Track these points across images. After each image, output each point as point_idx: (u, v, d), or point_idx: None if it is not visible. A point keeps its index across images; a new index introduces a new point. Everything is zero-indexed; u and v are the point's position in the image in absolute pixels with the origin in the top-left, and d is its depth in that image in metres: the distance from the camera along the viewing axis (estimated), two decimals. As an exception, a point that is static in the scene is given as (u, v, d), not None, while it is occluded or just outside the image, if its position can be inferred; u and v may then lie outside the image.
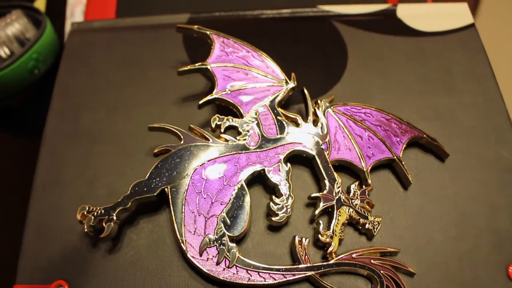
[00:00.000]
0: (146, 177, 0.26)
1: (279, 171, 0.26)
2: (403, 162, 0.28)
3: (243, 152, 0.27)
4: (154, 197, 0.26)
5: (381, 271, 0.25)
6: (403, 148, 0.28)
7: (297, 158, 0.28)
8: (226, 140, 0.27)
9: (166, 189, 0.26)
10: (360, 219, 0.26)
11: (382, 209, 0.27)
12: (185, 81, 0.32)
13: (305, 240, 0.25)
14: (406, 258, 0.26)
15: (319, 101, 0.29)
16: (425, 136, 0.28)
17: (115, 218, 0.25)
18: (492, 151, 0.29)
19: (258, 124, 0.28)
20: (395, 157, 0.28)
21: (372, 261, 0.25)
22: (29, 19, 0.40)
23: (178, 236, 0.25)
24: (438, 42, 0.34)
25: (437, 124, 0.30)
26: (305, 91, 0.29)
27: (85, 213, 0.25)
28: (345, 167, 0.28)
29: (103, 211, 0.25)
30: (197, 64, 0.29)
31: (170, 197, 0.26)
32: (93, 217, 0.25)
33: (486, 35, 0.35)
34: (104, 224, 0.25)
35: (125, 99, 0.32)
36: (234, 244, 0.25)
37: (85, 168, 0.29)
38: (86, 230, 0.25)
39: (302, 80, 0.30)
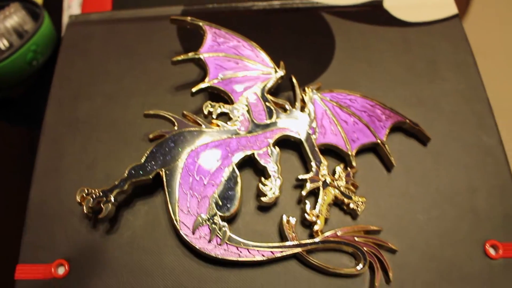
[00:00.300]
0: (142, 160, 0.27)
1: (268, 154, 0.28)
2: (386, 146, 0.29)
3: (234, 136, 0.28)
4: (150, 180, 0.27)
5: (364, 248, 0.26)
6: (386, 132, 0.29)
7: (285, 143, 0.29)
8: (218, 126, 0.29)
9: (161, 172, 0.27)
10: (345, 199, 0.27)
11: (366, 191, 0.29)
12: (179, 71, 0.33)
13: (293, 219, 0.27)
14: (389, 236, 0.28)
15: (306, 89, 0.30)
16: (407, 121, 0.30)
17: (112, 199, 0.26)
18: (472, 136, 0.31)
19: (248, 110, 0.29)
20: (379, 141, 0.29)
21: (355, 238, 0.27)
22: (27, 12, 0.41)
23: (172, 216, 0.26)
24: (423, 32, 0.35)
25: (420, 110, 0.31)
26: (293, 79, 0.30)
27: (84, 195, 0.26)
28: (331, 151, 0.29)
29: (101, 193, 0.27)
30: (190, 54, 0.30)
31: (164, 179, 0.27)
32: (91, 199, 0.26)
33: (476, 28, 0.36)
34: (102, 206, 0.26)
35: (121, 89, 0.33)
36: (225, 223, 0.26)
37: (84, 154, 0.31)
38: (85, 211, 0.26)
39: (291, 69, 0.31)
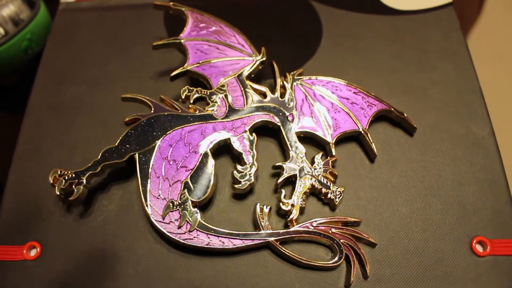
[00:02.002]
0: (116, 143, 0.27)
1: (244, 140, 0.27)
2: (369, 134, 0.28)
3: (210, 121, 0.28)
4: (123, 163, 0.27)
5: (341, 240, 0.25)
6: (369, 120, 0.28)
7: (265, 130, 0.29)
8: (195, 110, 0.28)
9: (134, 155, 0.27)
10: (323, 189, 0.26)
11: (347, 181, 0.28)
12: (163, 57, 0.33)
13: (266, 208, 0.26)
14: (368, 229, 0.26)
15: (287, 74, 0.29)
16: (393, 109, 0.29)
17: (84, 181, 0.26)
18: (462, 126, 0.29)
19: (226, 96, 0.28)
20: (361, 129, 0.28)
21: (332, 230, 0.25)
22: (23, 1, 0.42)
23: (143, 200, 0.26)
24: (414, 21, 0.34)
25: (407, 99, 0.30)
26: (274, 65, 0.29)
27: (57, 176, 0.26)
28: (311, 139, 0.28)
29: (73, 175, 0.26)
30: (170, 39, 0.30)
31: (137, 163, 0.27)
32: (64, 180, 0.26)
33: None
34: (73, 188, 0.26)
35: (105, 74, 0.33)
36: (196, 209, 0.26)
37: (64, 138, 0.30)
38: (57, 192, 0.26)
39: (276, 56, 0.31)
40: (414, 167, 0.28)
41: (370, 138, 0.28)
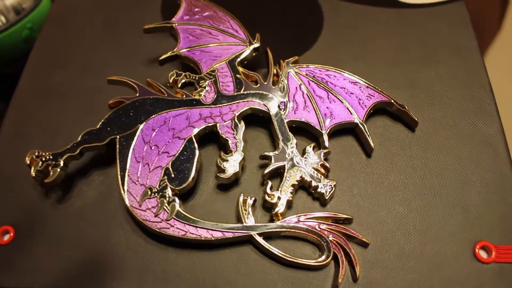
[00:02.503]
0: (98, 126, 0.26)
1: (231, 128, 0.26)
2: (366, 127, 0.26)
3: (197, 107, 0.26)
4: (104, 147, 0.26)
5: (330, 238, 0.23)
6: (367, 112, 0.26)
7: (257, 119, 0.27)
8: (182, 95, 0.27)
9: (115, 138, 0.25)
10: (312, 182, 0.24)
11: (340, 175, 0.26)
12: (157, 44, 0.32)
13: (250, 199, 0.24)
14: (361, 228, 0.24)
15: (281, 62, 0.28)
16: (393, 101, 0.27)
17: (62, 164, 0.25)
18: (468, 123, 0.27)
19: (215, 81, 0.27)
20: (357, 121, 0.26)
21: (320, 226, 0.23)
22: (26, -10, 0.42)
23: (120, 185, 0.24)
24: (421, 14, 0.32)
25: (410, 92, 0.28)
26: (268, 51, 0.28)
27: (34, 157, 0.25)
28: (305, 130, 0.27)
29: (51, 156, 0.25)
30: (162, 22, 0.29)
31: (118, 146, 0.25)
32: (40, 162, 0.25)
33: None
34: (50, 169, 0.25)
35: (96, 59, 0.32)
36: (175, 198, 0.24)
37: (49, 121, 0.29)
38: (32, 174, 0.25)
39: (273, 45, 0.29)
40: (414, 164, 0.26)
41: (367, 130, 0.26)
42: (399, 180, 0.26)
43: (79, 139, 0.26)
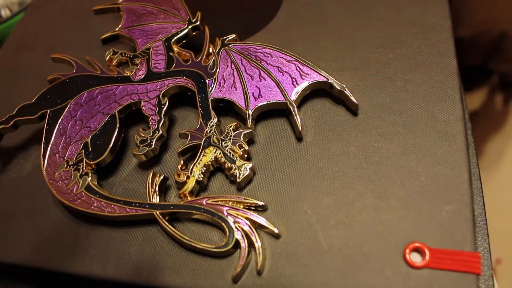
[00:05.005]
0: (33, 100, 0.27)
1: (154, 105, 0.25)
2: (295, 107, 0.24)
3: (125, 83, 0.26)
4: (36, 120, 0.26)
5: (235, 224, 0.21)
6: (300, 92, 0.24)
7: (187, 98, 0.26)
8: (115, 73, 0.26)
9: (46, 113, 0.26)
10: (227, 163, 0.23)
11: (264, 159, 0.24)
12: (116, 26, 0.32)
13: (160, 177, 0.23)
14: (277, 217, 0.22)
15: (217, 39, 0.26)
16: (330, 81, 0.24)
17: (-5, 135, 0.26)
18: (422, 109, 0.23)
19: (148, 59, 0.26)
20: (286, 101, 0.24)
21: (226, 210, 0.22)
22: (30, -15, 0.45)
23: (41, 157, 0.25)
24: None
25: (360, 74, 0.25)
26: (206, 29, 0.27)
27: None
28: (233, 110, 0.25)
29: (-15, 128, 0.26)
30: (110, 3, 0.29)
31: (46, 120, 0.26)
32: (-24, 131, 0.26)
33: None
34: (-18, 140, 0.26)
35: (61, 43, 0.33)
36: (88, 171, 0.24)
37: (5, 100, 0.31)
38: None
39: (223, 26, 0.28)
40: (349, 151, 0.23)
41: (296, 111, 0.23)
42: (328, 168, 0.23)
43: (14, 112, 0.26)
